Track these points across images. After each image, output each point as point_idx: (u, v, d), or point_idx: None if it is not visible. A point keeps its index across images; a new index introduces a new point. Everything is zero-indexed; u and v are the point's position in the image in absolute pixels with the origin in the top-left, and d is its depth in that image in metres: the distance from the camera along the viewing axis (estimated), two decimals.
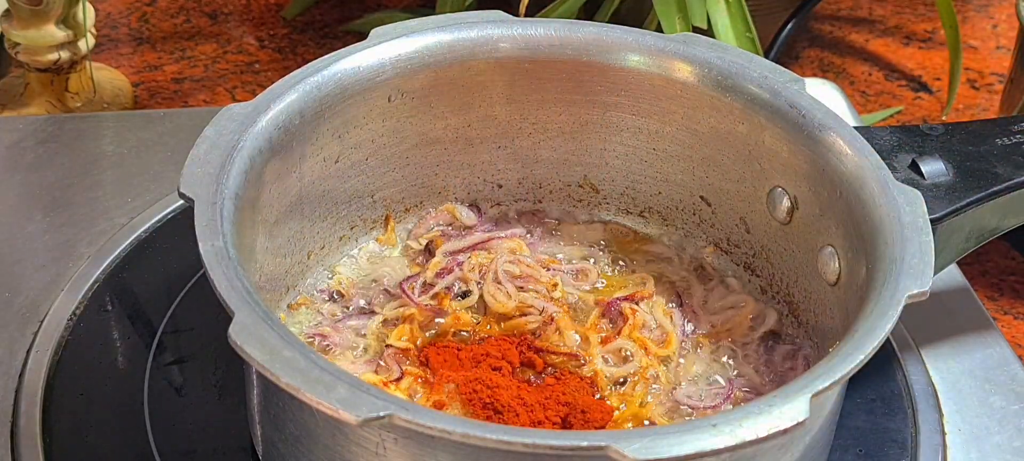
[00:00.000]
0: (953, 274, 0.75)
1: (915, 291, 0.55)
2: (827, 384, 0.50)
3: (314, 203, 0.66)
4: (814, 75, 1.03)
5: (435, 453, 0.51)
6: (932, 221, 0.59)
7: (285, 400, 0.55)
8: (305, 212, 0.66)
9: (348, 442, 0.53)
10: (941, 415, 0.67)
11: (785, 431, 0.49)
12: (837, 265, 0.62)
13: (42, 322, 0.68)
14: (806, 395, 0.49)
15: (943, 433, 0.66)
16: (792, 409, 0.49)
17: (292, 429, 0.56)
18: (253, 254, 0.60)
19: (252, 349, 0.49)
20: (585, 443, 0.48)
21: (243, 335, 0.50)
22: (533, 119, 0.71)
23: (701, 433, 0.48)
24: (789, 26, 1.00)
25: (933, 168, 0.64)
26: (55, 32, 0.87)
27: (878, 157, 0.61)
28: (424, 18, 0.68)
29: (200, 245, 0.54)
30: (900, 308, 0.54)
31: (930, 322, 0.71)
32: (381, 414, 0.48)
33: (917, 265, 0.56)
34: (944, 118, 0.99)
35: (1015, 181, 0.64)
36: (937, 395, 0.68)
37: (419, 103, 0.68)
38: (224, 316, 0.51)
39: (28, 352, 0.66)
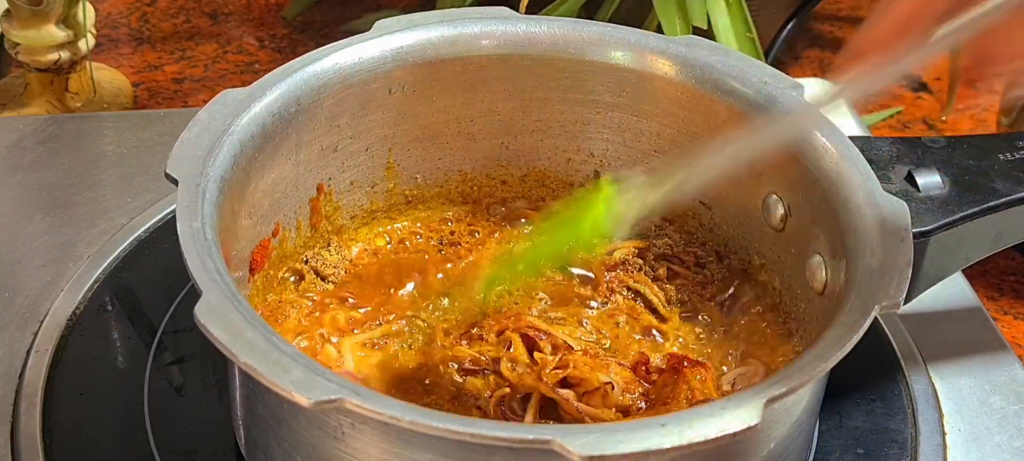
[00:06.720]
0: (954, 275, 0.74)
1: (885, 303, 0.54)
2: (782, 391, 0.50)
3: (309, 192, 0.66)
4: (814, 75, 1.02)
5: (389, 437, 0.51)
6: (922, 234, 0.59)
7: (254, 383, 0.55)
8: (300, 200, 0.66)
9: (310, 425, 0.53)
10: (941, 415, 0.67)
11: (735, 435, 0.48)
12: (824, 274, 0.61)
13: (42, 322, 0.68)
14: (760, 400, 0.49)
15: (943, 433, 0.66)
16: (744, 413, 0.48)
17: (261, 411, 0.56)
18: (237, 240, 0.60)
19: (215, 328, 0.50)
20: (531, 436, 0.48)
21: (208, 315, 0.50)
22: (536, 116, 0.70)
23: (649, 431, 0.48)
24: (789, 26, 1.00)
25: (928, 180, 0.63)
26: (55, 32, 0.86)
27: (868, 167, 0.61)
28: (427, 12, 0.68)
29: (178, 225, 0.54)
30: (868, 320, 0.53)
31: (930, 323, 0.71)
32: (333, 397, 0.48)
33: (892, 276, 0.55)
34: (944, 118, 0.99)
35: (1012, 197, 0.63)
36: (937, 395, 0.68)
37: (420, 96, 0.68)
38: None
39: (28, 352, 0.66)
